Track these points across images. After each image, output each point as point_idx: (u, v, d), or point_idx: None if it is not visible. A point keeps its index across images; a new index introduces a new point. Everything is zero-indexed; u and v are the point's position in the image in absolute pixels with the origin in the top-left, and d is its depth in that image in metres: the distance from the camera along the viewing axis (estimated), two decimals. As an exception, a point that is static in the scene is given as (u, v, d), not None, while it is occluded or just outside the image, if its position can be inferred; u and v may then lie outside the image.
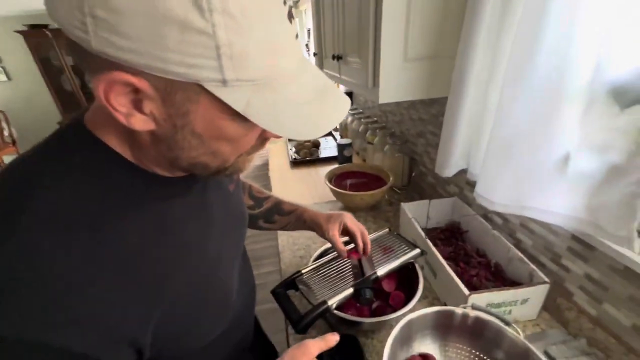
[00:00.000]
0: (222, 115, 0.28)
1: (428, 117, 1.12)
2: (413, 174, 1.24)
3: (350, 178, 1.26)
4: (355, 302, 0.70)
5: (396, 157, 1.26)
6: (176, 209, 0.36)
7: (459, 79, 0.72)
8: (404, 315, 0.55)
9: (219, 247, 0.42)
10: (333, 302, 0.56)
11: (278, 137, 0.34)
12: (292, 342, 0.68)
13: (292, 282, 0.66)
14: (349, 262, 0.67)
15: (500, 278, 0.73)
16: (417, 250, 0.71)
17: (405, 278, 0.73)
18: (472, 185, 0.93)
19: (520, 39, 0.57)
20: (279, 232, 1.07)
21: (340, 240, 0.65)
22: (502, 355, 0.51)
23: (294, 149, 1.78)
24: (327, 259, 0.70)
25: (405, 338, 0.55)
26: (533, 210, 0.64)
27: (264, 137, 0.35)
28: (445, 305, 0.72)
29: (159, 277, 0.33)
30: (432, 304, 0.75)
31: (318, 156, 1.68)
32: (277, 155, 1.83)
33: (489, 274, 0.73)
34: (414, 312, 0.55)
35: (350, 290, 0.59)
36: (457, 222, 0.97)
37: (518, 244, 0.77)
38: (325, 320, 0.72)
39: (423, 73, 0.80)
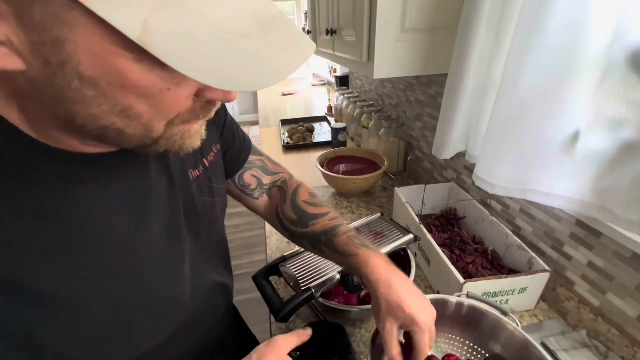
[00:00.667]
0: (115, 49, 0.20)
1: (426, 98, 1.06)
2: (409, 158, 1.18)
3: (344, 163, 1.20)
4: (343, 290, 0.66)
5: (392, 141, 1.21)
6: (88, 196, 0.28)
7: (460, 53, 0.66)
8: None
9: (152, 248, 0.34)
10: (318, 289, 0.52)
11: (225, 97, 0.25)
12: (275, 333, 0.64)
13: (275, 267, 0.62)
14: None
15: (497, 266, 0.69)
16: (411, 236, 0.66)
17: (397, 265, 0.69)
18: (470, 169, 0.88)
19: (529, 4, 0.51)
20: None
21: (396, 340, 0.42)
22: (499, 348, 0.48)
23: (286, 134, 1.72)
24: None
25: (395, 328, 0.51)
26: (536, 194, 0.59)
27: (203, 97, 0.26)
28: (438, 293, 0.68)
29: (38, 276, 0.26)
30: (425, 293, 0.71)
31: (311, 141, 1.62)
32: (269, 140, 1.77)
33: (485, 261, 0.69)
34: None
35: (337, 276, 0.55)
36: (453, 209, 0.92)
37: (517, 231, 0.73)
38: (310, 308, 0.68)
39: (421, 47, 0.74)
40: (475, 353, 0.51)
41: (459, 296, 0.51)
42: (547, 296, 0.65)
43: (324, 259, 0.59)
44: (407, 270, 0.65)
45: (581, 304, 0.59)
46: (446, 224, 0.87)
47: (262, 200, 0.56)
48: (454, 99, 0.71)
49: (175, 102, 0.25)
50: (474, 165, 0.84)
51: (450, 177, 0.99)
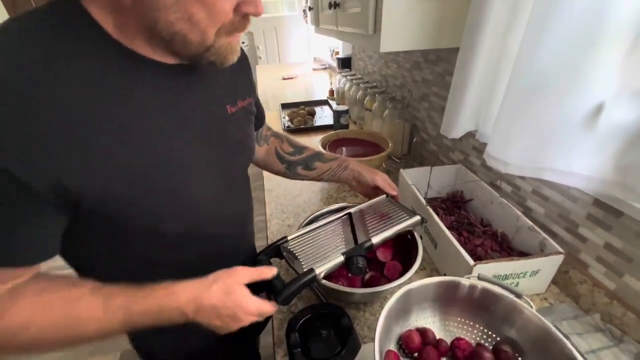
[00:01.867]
0: None
1: (433, 77, 1.02)
2: (414, 140, 1.15)
3: (346, 145, 1.17)
4: (347, 272, 0.64)
5: (396, 123, 1.17)
6: (142, 90, 0.36)
7: (474, 23, 0.62)
8: (400, 286, 0.48)
9: (182, 151, 0.40)
10: (321, 270, 0.50)
11: (255, 10, 0.35)
12: (275, 316, 0.62)
13: (276, 248, 0.58)
14: (340, 229, 0.60)
15: (506, 249, 0.66)
16: (417, 217, 0.62)
17: (402, 248, 0.67)
18: (479, 150, 0.84)
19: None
20: (267, 201, 0.99)
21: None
22: (512, 332, 0.45)
23: (287, 117, 1.67)
24: (316, 225, 0.63)
25: (402, 311, 0.49)
26: (552, 172, 0.56)
27: (240, 11, 0.34)
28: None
29: (89, 133, 0.32)
30: (430, 276, 0.68)
31: (313, 124, 1.58)
32: (270, 123, 1.71)
33: (494, 244, 0.67)
34: (412, 283, 0.48)
35: (341, 258, 0.52)
36: (459, 191, 0.89)
37: (528, 213, 0.70)
38: (312, 290, 0.66)
39: (432, 17, 0.69)
40: (485, 336, 0.49)
41: (469, 278, 0.49)
42: (559, 279, 0.62)
43: (327, 241, 0.58)
44: (412, 253, 0.62)
45: (595, 287, 0.57)
46: (452, 207, 0.84)
47: (263, 147, 0.70)
48: (465, 73, 0.67)
49: (223, 11, 0.33)
50: (483, 145, 0.80)
51: (457, 159, 0.95)
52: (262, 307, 0.42)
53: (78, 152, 0.31)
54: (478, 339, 0.49)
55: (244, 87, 0.53)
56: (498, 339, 0.48)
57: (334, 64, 2.44)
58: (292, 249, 0.58)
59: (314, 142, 1.41)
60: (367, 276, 0.64)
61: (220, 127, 0.46)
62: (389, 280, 0.62)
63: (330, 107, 1.82)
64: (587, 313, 0.58)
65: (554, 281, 0.62)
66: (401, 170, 0.88)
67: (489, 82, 0.67)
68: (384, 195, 0.71)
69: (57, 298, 0.35)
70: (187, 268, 0.43)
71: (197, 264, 0.45)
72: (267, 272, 0.44)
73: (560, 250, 0.57)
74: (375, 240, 0.55)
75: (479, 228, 0.71)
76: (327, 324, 0.54)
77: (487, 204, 0.78)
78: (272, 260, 0.59)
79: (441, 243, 0.67)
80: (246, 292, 0.41)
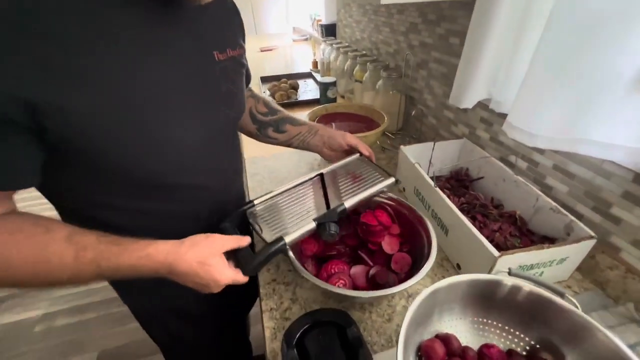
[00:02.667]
0: None
1: (433, 40, 0.90)
2: (413, 113, 1.04)
3: (337, 120, 1.05)
4: (349, 268, 0.55)
5: (391, 95, 1.06)
6: (125, 22, 0.35)
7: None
8: (418, 288, 0.39)
9: (161, 89, 0.38)
10: (291, 239, 0.47)
11: None
12: (261, 298, 0.53)
13: (242, 214, 0.54)
14: (311, 192, 0.57)
15: (526, 233, 0.59)
16: (392, 179, 0.57)
17: (411, 236, 0.58)
18: (488, 122, 0.75)
19: None
20: (249, 175, 0.89)
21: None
22: (557, 339, 0.38)
23: (267, 92, 1.52)
24: (286, 187, 0.58)
25: (423, 315, 0.40)
26: (589, 145, 0.48)
27: None
28: (459, 268, 0.59)
29: (64, 53, 0.31)
30: (442, 267, 0.61)
31: (296, 99, 1.44)
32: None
33: (513, 228, 0.59)
34: (428, 281, 0.39)
35: (312, 224, 0.49)
36: (464, 169, 0.81)
37: (547, 192, 0.63)
38: (321, 294, 0.57)
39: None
40: (517, 340, 0.42)
41: (498, 274, 0.41)
42: (582, 265, 0.56)
43: (298, 206, 0.55)
44: (421, 242, 0.54)
45: (628, 272, 0.50)
46: (458, 187, 0.76)
47: None
48: (482, 30, 0.56)
49: None
50: (495, 116, 0.71)
51: (462, 133, 0.86)
52: (235, 279, 0.43)
53: (51, 69, 0.30)
54: (509, 342, 0.42)
55: (234, 36, 0.51)
56: (532, 342, 0.41)
57: (316, 33, 2.25)
58: (259, 215, 0.54)
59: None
60: (372, 271, 0.55)
61: (206, 74, 0.44)
62: (397, 275, 0.54)
63: (315, 79, 1.67)
64: (616, 302, 0.52)
65: (577, 267, 0.56)
66: (402, 147, 0.78)
67: (511, 39, 0.56)
68: (357, 155, 0.66)
69: (29, 239, 0.34)
70: (170, 219, 0.47)
71: (180, 215, 0.48)
72: (245, 240, 0.45)
73: (592, 234, 0.50)
74: (348, 204, 0.52)
75: (493, 210, 0.64)
76: (330, 335, 0.46)
77: (498, 182, 0.70)
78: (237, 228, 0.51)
79: (454, 230, 0.59)
80: (222, 264, 0.41)
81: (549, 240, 0.56)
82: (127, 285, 0.57)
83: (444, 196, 0.61)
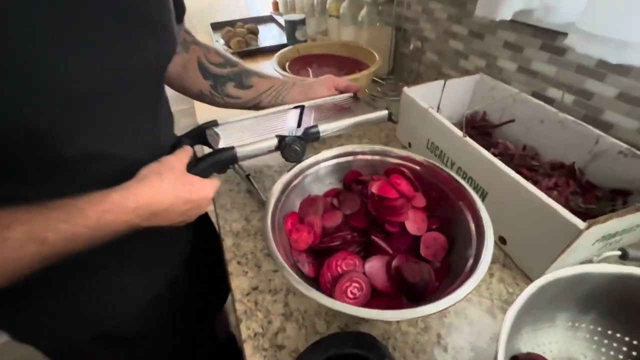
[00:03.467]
0: None
1: (434, -57, 0.68)
2: (411, 47, 0.84)
3: (312, 65, 0.83)
4: (312, 225, 0.42)
5: (377, 28, 0.84)
6: None
7: None
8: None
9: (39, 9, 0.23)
10: (245, 151, 0.42)
11: None
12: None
13: (202, 133, 0.47)
14: (284, 118, 0.50)
15: (588, 187, 0.45)
16: (384, 112, 0.50)
17: (437, 205, 0.42)
18: (517, 47, 0.58)
19: None
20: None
21: None
22: None
23: (222, 40, 1.24)
24: (257, 114, 0.51)
25: (515, 325, 0.25)
26: None
27: None
28: (503, 242, 0.44)
29: None
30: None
31: (257, 46, 1.17)
32: (198, 50, 1.27)
33: (572, 183, 0.44)
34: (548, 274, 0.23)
35: (273, 140, 0.43)
36: (479, 113, 0.65)
37: (605, 131, 0.48)
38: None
39: None
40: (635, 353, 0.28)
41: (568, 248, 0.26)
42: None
43: (267, 126, 0.48)
44: (456, 217, 0.38)
45: None
46: (477, 135, 0.60)
47: (180, 57, 0.50)
48: None
49: None
50: (526, 37, 0.53)
51: (474, 68, 0.68)
52: (214, 184, 0.38)
53: None
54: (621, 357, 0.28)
55: None
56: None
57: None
58: (219, 134, 0.46)
59: (265, 68, 1.03)
60: (395, 262, 0.38)
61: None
62: (431, 264, 0.38)
63: (278, 23, 1.39)
64: None
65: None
66: (405, 89, 0.60)
67: None
68: (350, 94, 0.57)
69: None
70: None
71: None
72: (188, 151, 0.39)
73: (692, 182, 0.36)
74: (324, 127, 0.46)
75: (539, 163, 0.48)
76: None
77: (533, 125, 0.54)
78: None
79: (497, 192, 0.43)
80: (196, 178, 0.36)
81: (621, 194, 0.42)
82: (27, 316, 0.37)
83: (481, 148, 0.44)
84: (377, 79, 0.88)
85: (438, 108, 0.62)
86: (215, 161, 0.40)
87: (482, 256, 0.32)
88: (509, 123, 0.57)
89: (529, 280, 0.41)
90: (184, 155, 0.38)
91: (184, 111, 1.24)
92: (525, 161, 0.49)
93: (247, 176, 0.58)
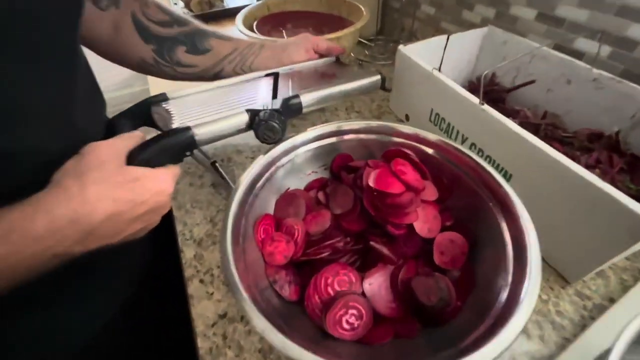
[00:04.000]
0: None
1: None
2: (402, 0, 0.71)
3: (286, 25, 0.69)
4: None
5: (362, -24, 0.70)
6: None
7: None
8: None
9: None
10: (205, 130, 0.31)
11: None
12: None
13: (145, 110, 0.36)
14: (255, 89, 0.39)
15: (634, 162, 0.36)
16: (376, 77, 0.41)
17: (449, 194, 0.32)
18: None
19: None
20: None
21: None
22: None
23: (180, 2, 1.06)
24: (219, 84, 0.40)
25: None
26: None
27: None
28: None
29: None
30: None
31: (225, 7, 1.01)
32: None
33: (615, 157, 0.36)
34: None
35: (244, 116, 0.33)
36: (487, 75, 0.54)
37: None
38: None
39: None
40: None
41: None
42: None
43: (232, 98, 0.37)
44: (477, 206, 0.29)
45: None
46: (488, 101, 0.50)
47: (109, 14, 0.38)
48: None
49: None
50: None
51: (481, 20, 0.57)
52: (175, 172, 0.29)
53: None
54: None
55: None
56: None
57: None
58: (171, 111, 0.36)
59: (232, 31, 0.88)
60: (401, 275, 0.29)
61: None
62: (448, 274, 0.30)
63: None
64: None
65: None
66: (400, 47, 0.48)
67: None
68: (332, 58, 0.47)
69: None
70: None
71: None
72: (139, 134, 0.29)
73: None
74: (307, 97, 0.36)
75: (571, 134, 0.39)
76: None
77: (557, 86, 0.45)
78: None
79: (526, 174, 0.34)
80: (142, 169, 0.26)
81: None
82: None
83: (505, 119, 0.34)
84: (363, 41, 0.76)
85: (440, 69, 0.51)
86: (165, 147, 0.30)
87: (527, 272, 0.23)
88: (529, 85, 0.47)
89: (565, 282, 0.33)
90: (121, 142, 0.27)
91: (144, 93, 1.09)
92: (554, 133, 0.39)
93: (213, 164, 0.47)
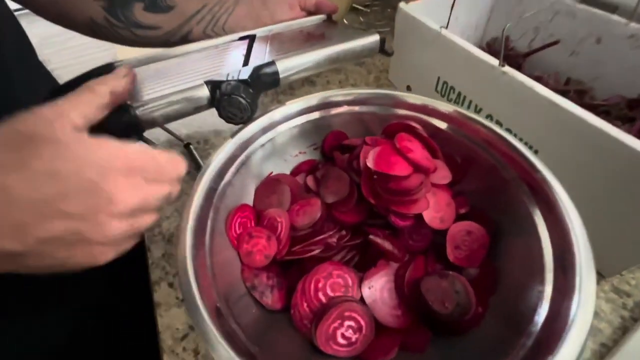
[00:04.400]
0: None
1: None
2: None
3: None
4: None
5: None
6: None
7: None
8: None
9: None
10: (151, 108, 0.24)
11: None
12: None
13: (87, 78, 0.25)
14: (224, 56, 0.31)
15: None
16: (374, 37, 0.32)
17: (463, 175, 0.27)
18: None
19: None
20: None
21: None
22: None
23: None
24: (180, 51, 0.32)
25: None
26: None
27: None
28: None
29: None
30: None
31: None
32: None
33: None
34: None
35: (202, 90, 0.26)
36: (499, 39, 0.48)
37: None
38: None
39: None
40: None
41: None
42: None
43: (196, 66, 0.30)
44: (500, 188, 0.23)
45: None
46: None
47: None
48: None
49: None
50: None
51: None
52: (158, 155, 0.22)
53: None
54: None
55: None
56: None
57: None
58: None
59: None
60: (407, 275, 0.24)
61: None
62: (464, 273, 0.24)
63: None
64: None
65: None
66: (401, 4, 0.42)
67: None
68: (322, 16, 0.39)
69: None
70: None
71: None
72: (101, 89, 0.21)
73: None
74: (284, 64, 0.28)
75: (607, 102, 0.33)
76: None
77: (585, 47, 0.38)
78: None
79: (555, 149, 0.28)
80: (105, 139, 0.19)
81: None
82: None
83: (533, 83, 0.28)
84: (357, 6, 0.68)
85: (447, 26, 0.45)
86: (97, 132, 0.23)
87: (576, 280, 0.18)
88: (552, 46, 0.41)
89: (600, 275, 0.28)
90: (69, 105, 0.19)
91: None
92: (583, 101, 0.33)
93: (187, 146, 0.41)
